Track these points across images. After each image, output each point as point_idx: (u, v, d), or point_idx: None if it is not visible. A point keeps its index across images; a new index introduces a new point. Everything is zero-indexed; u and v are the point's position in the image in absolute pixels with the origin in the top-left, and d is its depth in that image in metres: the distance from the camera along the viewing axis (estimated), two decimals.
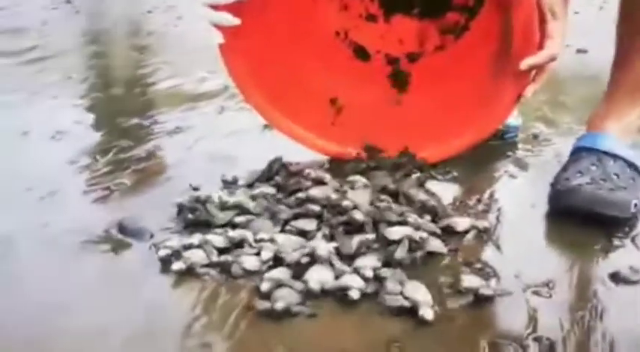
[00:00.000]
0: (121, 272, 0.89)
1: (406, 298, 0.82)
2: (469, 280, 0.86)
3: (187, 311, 0.80)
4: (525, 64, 1.08)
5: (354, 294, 0.83)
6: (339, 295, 0.83)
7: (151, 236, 0.97)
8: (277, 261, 0.91)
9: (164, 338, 0.76)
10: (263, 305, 0.80)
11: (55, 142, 1.36)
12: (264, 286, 0.84)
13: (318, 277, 0.85)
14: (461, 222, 1.02)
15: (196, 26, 2.63)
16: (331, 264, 0.88)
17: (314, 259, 0.89)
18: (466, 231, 1.01)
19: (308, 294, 0.83)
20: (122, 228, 0.98)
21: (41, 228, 0.99)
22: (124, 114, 1.57)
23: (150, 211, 1.04)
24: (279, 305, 0.79)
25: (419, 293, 0.83)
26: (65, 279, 0.87)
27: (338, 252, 0.91)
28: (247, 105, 1.28)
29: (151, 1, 3.27)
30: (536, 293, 0.86)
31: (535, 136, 1.48)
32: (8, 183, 1.15)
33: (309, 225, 0.98)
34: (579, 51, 2.18)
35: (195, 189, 1.09)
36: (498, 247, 0.98)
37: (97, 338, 0.75)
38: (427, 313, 0.79)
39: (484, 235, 1.00)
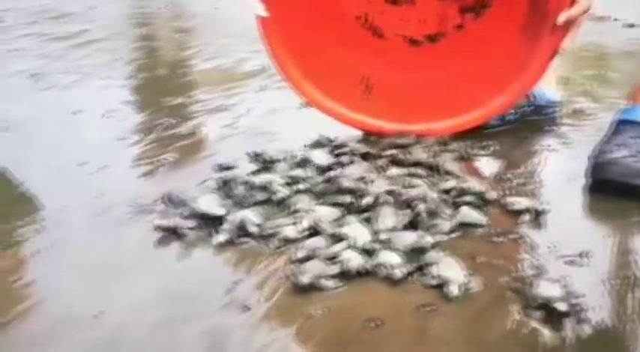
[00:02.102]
0: (166, 240, 0.93)
1: (438, 276, 0.82)
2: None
3: (229, 276, 0.85)
4: (562, 17, 1.12)
5: (397, 273, 0.83)
6: (378, 273, 0.84)
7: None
8: (315, 231, 0.94)
9: (208, 299, 0.80)
10: (293, 276, 0.83)
11: (105, 120, 1.42)
12: (299, 254, 0.88)
13: (354, 256, 0.86)
14: (517, 202, 1.01)
15: (236, 9, 2.72)
16: (365, 241, 0.89)
17: (348, 235, 0.91)
18: (521, 212, 0.99)
19: (343, 271, 0.84)
20: (169, 199, 1.02)
21: (93, 199, 1.05)
22: (168, 93, 1.63)
23: (192, 185, 1.08)
24: (304, 279, 0.82)
25: (451, 270, 0.83)
26: (117, 244, 0.93)
27: (374, 230, 0.93)
28: (285, 83, 1.31)
29: None
30: (571, 262, 0.87)
31: (579, 111, 1.46)
32: (62, 158, 1.22)
33: (343, 199, 1.01)
34: (626, 25, 2.11)
35: (228, 168, 1.11)
36: (536, 218, 0.98)
37: (146, 298, 0.80)
38: (455, 290, 0.80)
39: (541, 217, 0.98)
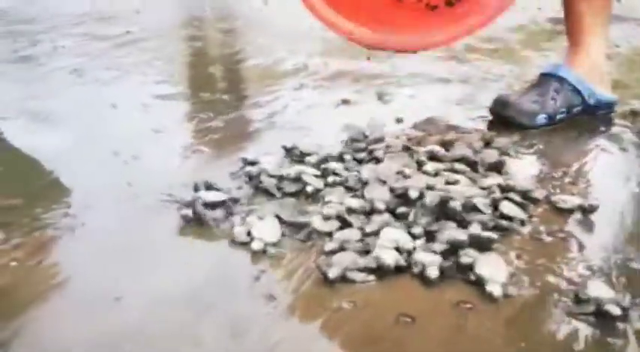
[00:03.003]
0: (195, 229, 0.90)
1: (478, 275, 0.76)
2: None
3: (255, 266, 0.81)
4: None
5: (432, 272, 0.77)
6: (414, 271, 0.79)
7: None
8: (345, 223, 0.89)
9: (235, 286, 0.77)
10: (322, 268, 0.79)
11: (141, 113, 1.42)
12: (329, 246, 0.83)
13: (387, 251, 0.81)
14: (566, 200, 0.95)
15: (280, 12, 2.72)
16: (400, 237, 0.84)
17: (382, 230, 0.85)
18: (570, 210, 0.93)
19: (377, 266, 0.79)
20: (197, 189, 0.99)
21: (125, 187, 1.03)
22: (207, 89, 1.62)
23: (223, 176, 1.05)
24: (334, 271, 0.77)
25: (492, 268, 0.77)
26: (142, 231, 0.90)
27: (409, 225, 0.88)
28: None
29: None
30: (624, 263, 0.79)
31: (634, 112, 1.38)
32: (98, 147, 1.21)
33: (379, 193, 0.96)
34: None
35: (253, 163, 1.07)
36: (586, 217, 0.91)
37: (168, 285, 0.77)
38: (495, 290, 0.73)
39: (591, 216, 0.91)
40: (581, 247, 0.84)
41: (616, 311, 0.69)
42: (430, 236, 0.85)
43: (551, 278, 0.77)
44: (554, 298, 0.73)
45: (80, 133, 1.31)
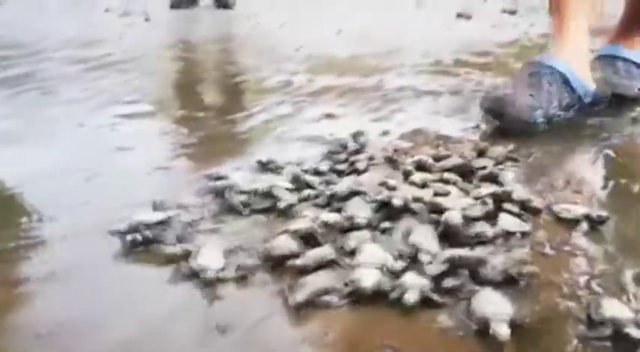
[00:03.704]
0: (141, 255, 0.79)
1: (480, 317, 0.62)
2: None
3: (208, 293, 0.70)
4: None
5: (411, 297, 0.65)
6: (392, 297, 0.67)
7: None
8: (317, 242, 0.78)
9: (186, 316, 0.65)
10: (285, 292, 0.68)
11: (108, 132, 1.32)
12: (296, 267, 0.72)
13: (371, 275, 0.69)
14: (570, 210, 0.84)
15: (269, 34, 2.66)
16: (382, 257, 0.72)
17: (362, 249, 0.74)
18: (575, 220, 0.82)
19: (354, 290, 0.68)
20: (155, 207, 0.89)
21: (83, 206, 0.93)
22: (182, 107, 1.53)
23: (188, 195, 0.95)
24: (299, 296, 0.66)
25: (490, 305, 0.63)
26: (91, 256, 0.79)
27: (395, 244, 0.77)
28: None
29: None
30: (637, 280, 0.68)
31: (635, 119, 1.28)
32: (59, 166, 1.11)
33: (359, 207, 0.85)
34: None
35: (219, 178, 0.96)
36: (594, 228, 0.81)
37: (115, 313, 0.66)
38: (501, 330, 0.59)
39: (600, 227, 0.81)
40: (589, 261, 0.73)
41: (638, 334, 0.57)
42: (419, 256, 0.74)
43: (558, 298, 0.66)
44: (563, 321, 0.62)
45: (43, 152, 1.21)
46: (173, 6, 3.72)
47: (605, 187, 0.96)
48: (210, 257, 0.74)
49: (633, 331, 0.57)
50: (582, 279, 0.69)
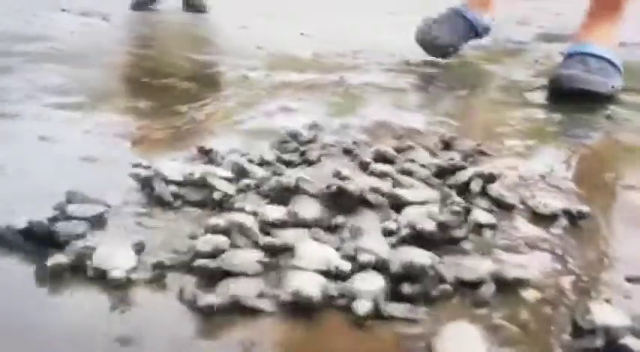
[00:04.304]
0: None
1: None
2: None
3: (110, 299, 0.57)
4: None
5: (361, 306, 0.54)
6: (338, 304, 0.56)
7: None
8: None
9: (85, 326, 0.52)
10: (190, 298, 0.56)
11: (34, 122, 1.17)
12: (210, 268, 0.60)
13: (311, 280, 0.57)
14: (548, 205, 0.75)
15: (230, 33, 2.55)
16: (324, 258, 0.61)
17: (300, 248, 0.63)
18: (554, 216, 0.73)
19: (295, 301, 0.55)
20: (70, 199, 0.76)
21: None
22: (122, 99, 1.39)
23: (111, 186, 0.82)
24: (211, 299, 0.55)
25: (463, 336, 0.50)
26: None
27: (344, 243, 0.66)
28: None
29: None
30: (631, 280, 0.58)
31: (609, 117, 1.21)
32: None
33: (306, 201, 0.73)
34: None
35: (147, 167, 0.84)
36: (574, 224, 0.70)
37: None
38: None
39: (580, 223, 0.71)
40: (571, 261, 0.63)
41: (635, 344, 0.46)
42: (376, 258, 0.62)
43: (537, 303, 0.55)
44: (544, 330, 0.51)
45: None
46: (134, 7, 3.58)
47: (582, 182, 0.87)
48: (119, 255, 0.61)
49: (631, 341, 0.46)
50: (564, 281, 0.58)
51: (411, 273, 0.56)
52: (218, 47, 2.25)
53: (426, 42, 1.71)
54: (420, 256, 0.58)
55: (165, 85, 1.63)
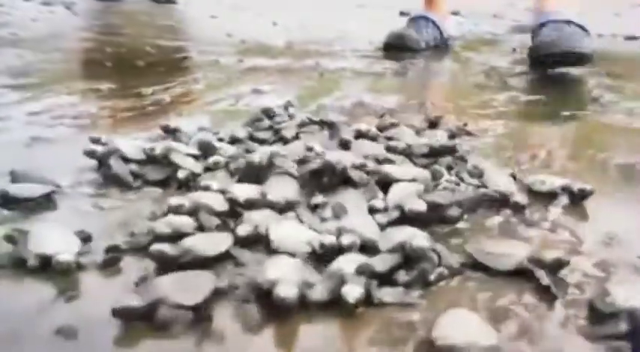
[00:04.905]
0: None
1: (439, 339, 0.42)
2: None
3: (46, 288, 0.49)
4: None
5: (352, 294, 0.46)
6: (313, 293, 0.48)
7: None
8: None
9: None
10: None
11: None
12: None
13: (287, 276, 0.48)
14: (546, 182, 0.69)
15: (200, 22, 2.45)
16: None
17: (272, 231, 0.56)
18: (553, 194, 0.67)
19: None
20: (14, 178, 0.67)
21: None
22: (83, 80, 1.30)
23: (63, 165, 0.73)
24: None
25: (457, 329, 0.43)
26: None
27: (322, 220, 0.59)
28: None
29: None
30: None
31: (595, 99, 1.17)
32: None
33: (281, 179, 0.66)
34: None
35: (104, 144, 0.75)
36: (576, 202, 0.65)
37: None
38: None
39: (582, 201, 0.65)
40: (579, 240, 0.57)
41: None
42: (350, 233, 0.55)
43: (546, 287, 0.48)
44: (559, 317, 0.45)
45: None
46: None
47: (576, 161, 0.81)
48: (65, 239, 0.53)
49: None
50: (574, 261, 0.52)
51: (411, 255, 0.49)
52: (187, 35, 2.15)
53: (397, 39, 1.70)
54: (416, 237, 0.51)
55: (128, 69, 1.54)
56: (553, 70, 1.35)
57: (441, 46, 1.75)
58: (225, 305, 0.46)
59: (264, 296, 0.46)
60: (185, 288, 0.46)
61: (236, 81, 1.29)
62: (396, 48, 1.66)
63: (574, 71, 1.39)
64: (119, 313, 0.43)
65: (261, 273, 0.48)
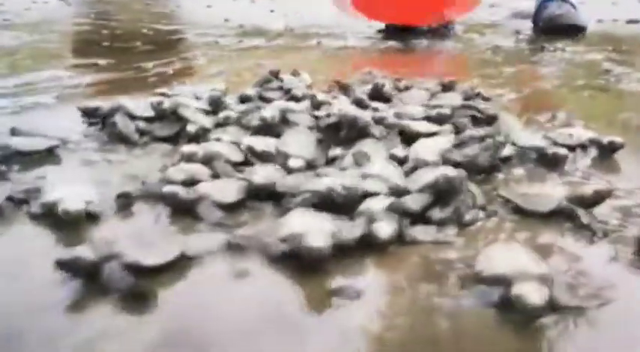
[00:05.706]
0: None
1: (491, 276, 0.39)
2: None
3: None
4: None
5: (385, 230, 0.44)
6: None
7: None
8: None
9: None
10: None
11: None
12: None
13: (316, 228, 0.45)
14: (576, 134, 0.66)
15: (195, 10, 2.42)
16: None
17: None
18: (583, 146, 0.64)
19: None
20: (14, 132, 0.63)
21: None
22: (82, 56, 1.26)
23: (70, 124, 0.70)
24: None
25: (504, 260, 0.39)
26: None
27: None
28: None
29: None
30: None
31: (607, 71, 1.14)
32: None
33: (296, 134, 0.62)
34: None
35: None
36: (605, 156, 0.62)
37: None
38: (527, 296, 0.37)
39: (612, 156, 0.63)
40: (611, 186, 0.54)
41: None
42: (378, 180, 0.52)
43: (588, 230, 0.45)
44: (605, 252, 0.42)
45: None
46: None
47: (596, 121, 0.79)
48: (75, 189, 0.49)
49: None
50: (612, 203, 0.49)
51: (445, 191, 0.46)
52: (184, 19, 2.12)
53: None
54: (448, 171, 0.48)
55: (127, 47, 1.50)
56: (554, 44, 1.34)
57: (442, 30, 1.71)
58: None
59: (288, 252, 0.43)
60: (149, 246, 0.41)
61: (237, 58, 1.26)
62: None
63: (581, 48, 1.37)
64: (62, 265, 0.39)
65: (286, 226, 0.45)
